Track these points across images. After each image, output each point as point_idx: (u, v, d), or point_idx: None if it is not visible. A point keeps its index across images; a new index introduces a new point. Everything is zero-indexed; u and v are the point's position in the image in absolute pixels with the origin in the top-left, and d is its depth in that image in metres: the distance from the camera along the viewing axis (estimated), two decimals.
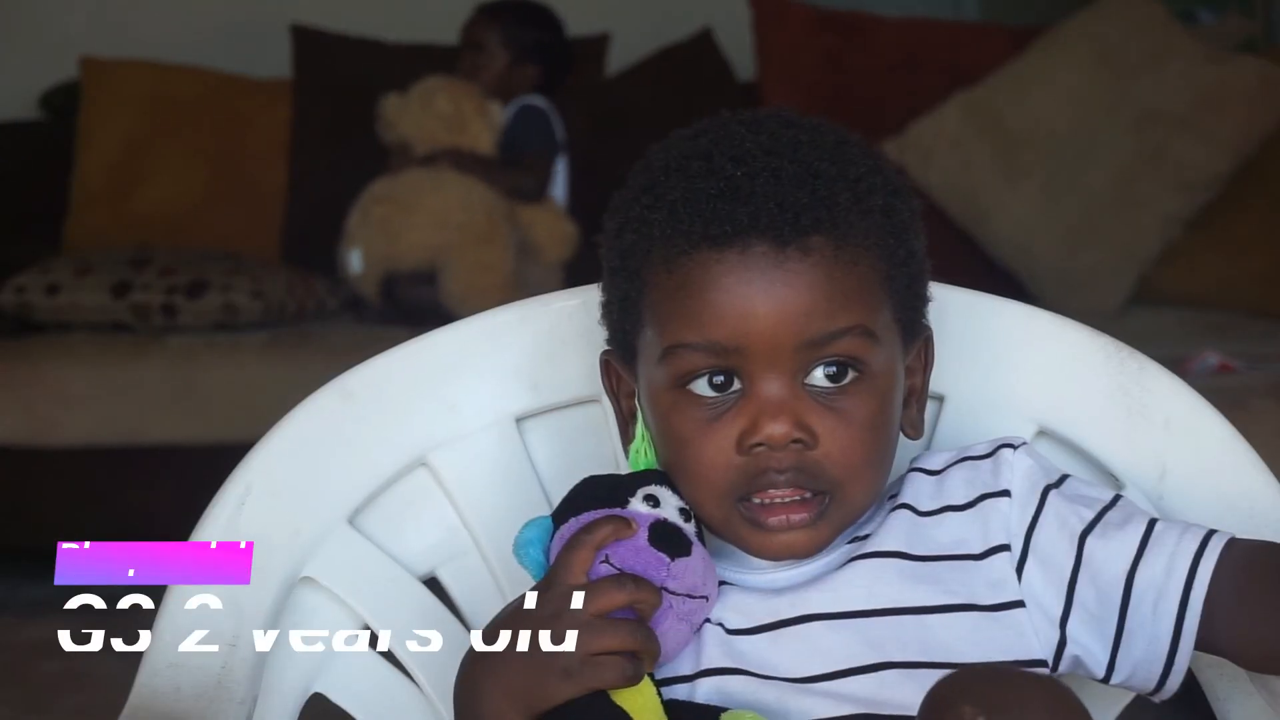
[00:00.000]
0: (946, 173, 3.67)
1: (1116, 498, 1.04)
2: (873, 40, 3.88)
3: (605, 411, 1.18)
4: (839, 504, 1.02)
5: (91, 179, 3.97)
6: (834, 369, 1.00)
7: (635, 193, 1.03)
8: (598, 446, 1.18)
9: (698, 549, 1.01)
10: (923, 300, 1.07)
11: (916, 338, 1.07)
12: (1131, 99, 3.61)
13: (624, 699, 0.97)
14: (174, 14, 4.49)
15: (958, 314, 1.16)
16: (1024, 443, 1.06)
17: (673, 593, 0.99)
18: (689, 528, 1.02)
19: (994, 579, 1.02)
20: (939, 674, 0.88)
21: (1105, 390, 1.13)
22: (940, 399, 1.16)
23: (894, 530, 1.04)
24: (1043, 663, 1.01)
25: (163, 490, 3.21)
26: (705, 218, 0.99)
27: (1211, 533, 1.00)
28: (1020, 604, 1.01)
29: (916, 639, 1.00)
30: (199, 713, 1.09)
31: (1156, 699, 1.02)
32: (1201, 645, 0.99)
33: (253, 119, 4.03)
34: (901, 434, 1.06)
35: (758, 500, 1.01)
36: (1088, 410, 1.13)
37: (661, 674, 1.01)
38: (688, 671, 1.02)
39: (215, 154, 4.01)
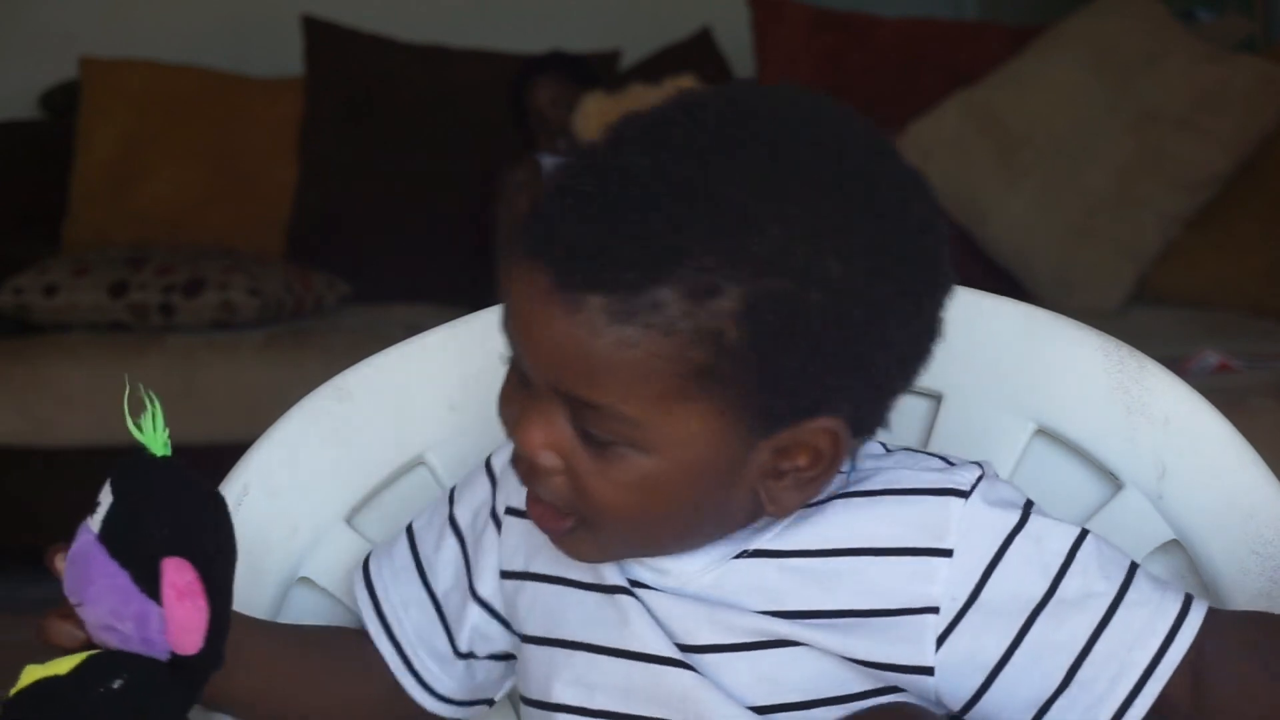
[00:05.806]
0: (945, 172, 3.67)
1: (1080, 539, 0.94)
2: (872, 40, 3.88)
3: None
4: (602, 531, 0.91)
5: (91, 178, 3.97)
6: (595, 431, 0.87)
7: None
8: None
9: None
10: (808, 399, 0.88)
11: (799, 421, 0.88)
12: (1130, 98, 3.61)
13: None
14: (174, 13, 4.49)
15: (956, 313, 1.15)
16: (975, 485, 0.93)
17: None
18: None
19: (906, 636, 0.92)
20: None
21: (1104, 389, 1.13)
22: (938, 398, 1.16)
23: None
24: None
25: None
26: (532, 221, 0.87)
27: (1176, 631, 0.92)
28: (929, 670, 0.92)
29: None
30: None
31: None
32: None
33: (253, 117, 4.03)
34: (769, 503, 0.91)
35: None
36: (1087, 409, 1.13)
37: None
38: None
39: (215, 152, 4.01)
